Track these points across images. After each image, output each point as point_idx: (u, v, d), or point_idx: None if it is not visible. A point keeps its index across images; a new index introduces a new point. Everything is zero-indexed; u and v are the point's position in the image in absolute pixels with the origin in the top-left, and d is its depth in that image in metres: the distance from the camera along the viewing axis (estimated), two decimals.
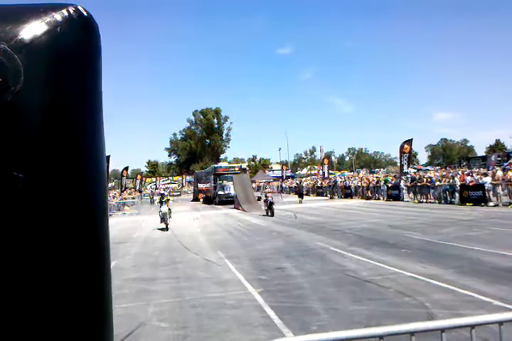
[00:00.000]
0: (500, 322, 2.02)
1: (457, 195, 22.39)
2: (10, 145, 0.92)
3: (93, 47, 1.09)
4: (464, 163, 64.60)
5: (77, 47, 1.04)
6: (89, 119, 1.05)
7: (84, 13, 1.08)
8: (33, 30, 0.98)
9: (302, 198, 33.24)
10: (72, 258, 0.98)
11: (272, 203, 22.09)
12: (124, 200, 38.75)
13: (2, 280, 0.90)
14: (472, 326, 1.98)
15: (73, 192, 0.98)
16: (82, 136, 1.02)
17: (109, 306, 1.11)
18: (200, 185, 45.38)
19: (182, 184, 77.01)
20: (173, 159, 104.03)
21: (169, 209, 18.34)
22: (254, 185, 55.01)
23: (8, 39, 0.96)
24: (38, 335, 0.94)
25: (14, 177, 0.91)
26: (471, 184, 21.95)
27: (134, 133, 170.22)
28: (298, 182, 47.76)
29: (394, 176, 33.30)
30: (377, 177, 36.05)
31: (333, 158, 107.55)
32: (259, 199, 33.31)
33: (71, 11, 1.05)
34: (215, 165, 43.50)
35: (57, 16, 1.02)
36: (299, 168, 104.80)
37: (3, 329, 0.91)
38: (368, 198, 30.74)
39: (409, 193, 27.50)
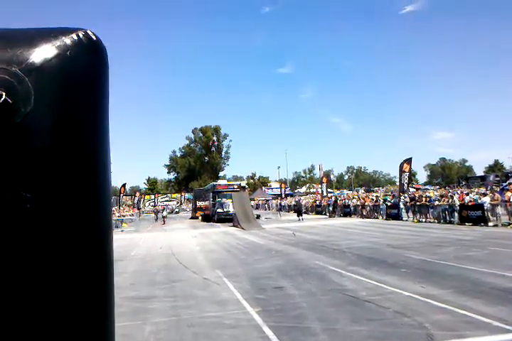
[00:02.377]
0: None
1: (456, 214, 22.37)
2: (19, 165, 0.95)
3: (101, 70, 1.12)
4: (463, 183, 64.63)
5: (87, 70, 1.07)
6: (96, 141, 1.08)
7: (93, 37, 1.11)
8: (43, 53, 1.02)
9: (302, 216, 33.26)
10: (78, 275, 0.99)
11: None
12: (122, 217, 38.60)
13: (11, 296, 0.92)
14: None
15: (80, 211, 1.01)
16: (89, 158, 1.05)
17: (112, 323, 1.12)
18: (199, 203, 45.24)
19: (181, 201, 76.82)
20: (172, 176, 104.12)
21: None
22: (252, 203, 54.90)
23: (19, 62, 0.99)
24: None
25: (22, 197, 0.94)
26: (470, 204, 21.95)
27: (133, 150, 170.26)
28: (297, 200, 47.67)
29: (393, 195, 33.30)
30: (376, 196, 36.05)
31: (332, 176, 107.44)
32: (258, 217, 33.25)
33: (80, 35, 1.09)
34: (214, 183, 43.42)
35: (67, 40, 1.06)
36: (297, 186, 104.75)
37: None
38: (367, 217, 30.68)
39: (408, 212, 27.46)
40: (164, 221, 38.17)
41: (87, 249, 1.02)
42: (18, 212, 0.93)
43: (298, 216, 33.40)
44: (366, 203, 32.20)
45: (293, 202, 49.73)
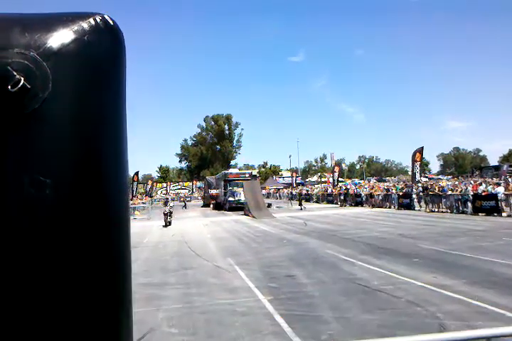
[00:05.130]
0: None
1: (470, 204, 22.18)
2: (37, 151, 0.94)
3: (119, 55, 1.11)
4: (477, 173, 63.89)
5: (104, 55, 1.06)
6: (113, 126, 1.07)
7: (111, 22, 1.10)
8: (61, 38, 1.00)
9: (302, 205, 33.81)
10: (95, 262, 0.99)
11: None
12: (134, 205, 38.89)
13: (25, 277, 0.92)
14: (488, 338, 1.96)
15: (97, 198, 1.00)
16: (106, 143, 1.03)
17: (130, 310, 1.12)
18: (211, 191, 45.44)
19: (192, 190, 77.16)
20: (184, 165, 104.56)
21: None
22: (264, 191, 54.95)
23: (36, 47, 0.98)
24: (58, 338, 0.95)
25: (41, 182, 0.93)
26: (483, 194, 21.74)
27: (145, 138, 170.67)
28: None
29: (405, 185, 33.09)
30: (387, 185, 35.86)
31: (343, 165, 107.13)
32: (269, 206, 33.32)
33: (98, 20, 1.07)
34: (226, 172, 43.51)
35: (85, 25, 1.04)
36: (309, 175, 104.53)
37: (20, 332, 0.92)
38: (379, 206, 30.56)
39: (420, 202, 27.30)
40: (168, 219, 23.33)
41: (105, 234, 1.01)
42: (37, 196, 0.92)
43: (299, 205, 33.66)
44: (378, 192, 32.07)
45: (304, 192, 50.00)
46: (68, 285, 0.94)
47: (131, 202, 37.81)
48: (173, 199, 50.71)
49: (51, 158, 0.95)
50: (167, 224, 23.08)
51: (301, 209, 32.71)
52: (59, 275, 0.94)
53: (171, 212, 23.61)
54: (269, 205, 34.36)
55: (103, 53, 1.06)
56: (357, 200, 34.52)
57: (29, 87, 0.93)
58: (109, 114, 1.06)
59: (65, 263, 0.94)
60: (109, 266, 1.02)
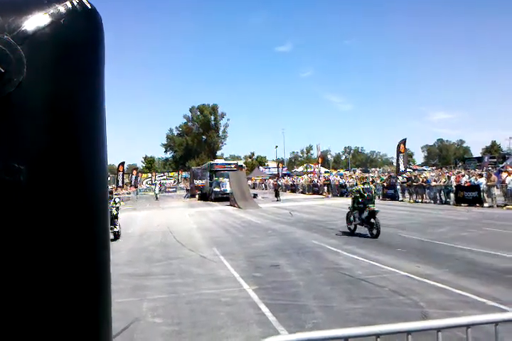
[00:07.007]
0: (496, 323, 2.02)
1: (452, 195, 22.46)
2: (11, 137, 0.91)
3: (97, 39, 1.08)
4: (460, 164, 64.72)
5: (81, 40, 1.03)
6: (91, 112, 1.04)
7: (88, 6, 1.07)
8: (36, 21, 0.97)
9: (279, 196, 33.43)
10: (71, 253, 0.97)
11: None
12: (119, 195, 38.61)
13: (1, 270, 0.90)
14: (468, 326, 1.98)
15: (73, 185, 0.97)
16: (84, 129, 1.01)
17: (108, 302, 1.10)
18: (196, 182, 45.30)
19: (178, 180, 76.82)
20: (169, 155, 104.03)
21: None
22: (250, 182, 54.98)
23: (11, 30, 0.95)
24: (37, 329, 0.93)
25: (15, 169, 0.91)
26: (466, 185, 22.02)
27: (130, 129, 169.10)
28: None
29: (389, 176, 33.34)
30: (372, 176, 36.11)
31: (329, 156, 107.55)
32: (255, 196, 33.34)
33: (75, 3, 1.04)
34: (212, 162, 43.42)
35: (61, 8, 1.01)
36: (295, 166, 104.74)
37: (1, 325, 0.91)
38: None
39: (404, 193, 27.55)
40: (114, 228, 13.55)
41: (80, 227, 0.99)
42: (10, 184, 0.90)
43: (276, 196, 33.51)
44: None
45: (290, 183, 50.07)
46: (43, 275, 0.93)
47: (114, 192, 37.52)
48: (160, 189, 50.47)
49: (25, 145, 0.92)
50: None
51: (277, 200, 32.56)
52: (33, 266, 0.92)
53: (116, 217, 14.47)
54: (255, 196, 34.40)
55: (80, 37, 1.03)
56: (342, 191, 34.72)
57: (2, 71, 0.91)
58: (86, 99, 1.03)
59: (39, 253, 0.92)
60: (86, 254, 1.00)
